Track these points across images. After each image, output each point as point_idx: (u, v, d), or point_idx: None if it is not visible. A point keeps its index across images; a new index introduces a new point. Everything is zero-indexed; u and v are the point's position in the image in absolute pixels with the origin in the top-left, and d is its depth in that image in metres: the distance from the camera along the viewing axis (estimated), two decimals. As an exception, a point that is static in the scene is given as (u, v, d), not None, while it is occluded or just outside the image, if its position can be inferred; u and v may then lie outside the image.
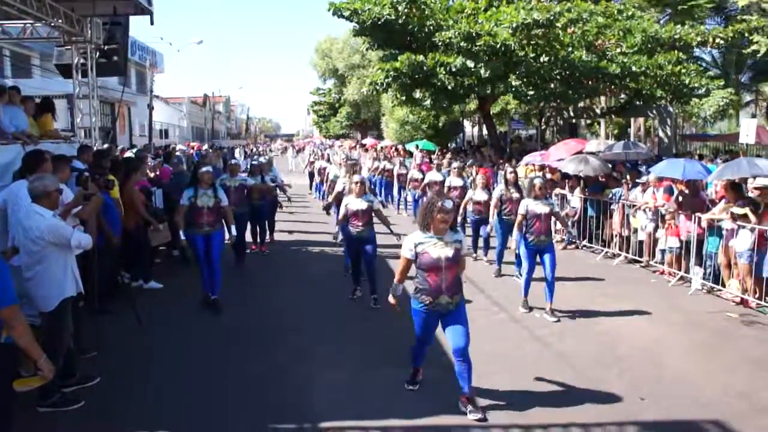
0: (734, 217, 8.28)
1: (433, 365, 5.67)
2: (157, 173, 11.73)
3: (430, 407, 5.10)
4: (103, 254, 6.88)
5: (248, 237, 10.86)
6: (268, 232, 12.04)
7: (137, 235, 8.65)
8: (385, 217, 8.23)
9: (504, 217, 9.52)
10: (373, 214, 8.04)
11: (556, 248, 8.13)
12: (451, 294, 4.88)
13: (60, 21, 10.37)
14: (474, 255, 10.73)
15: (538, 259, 7.81)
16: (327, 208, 9.84)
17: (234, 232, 8.52)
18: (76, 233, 5.08)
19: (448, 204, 4.80)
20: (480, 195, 10.35)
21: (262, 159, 14.96)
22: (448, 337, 5.02)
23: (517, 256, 8.98)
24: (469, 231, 10.78)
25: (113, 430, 4.83)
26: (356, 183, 7.97)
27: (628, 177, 11.65)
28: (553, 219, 7.93)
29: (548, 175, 13.63)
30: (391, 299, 5.16)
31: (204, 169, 8.08)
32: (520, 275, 9.29)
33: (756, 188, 8.74)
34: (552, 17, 15.77)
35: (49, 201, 5.01)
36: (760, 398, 5.40)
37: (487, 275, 9.73)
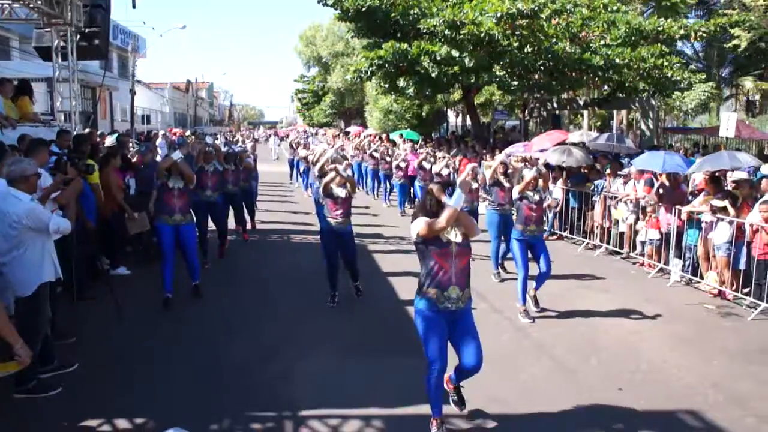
0: (713, 210, 8.38)
1: (414, 354, 5.67)
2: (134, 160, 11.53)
3: (410, 396, 5.09)
4: (81, 240, 6.81)
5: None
6: (248, 220, 12.00)
7: (114, 221, 8.55)
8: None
9: (496, 209, 8.97)
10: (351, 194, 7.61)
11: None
12: (461, 287, 4.46)
13: (39, 2, 10.20)
14: None
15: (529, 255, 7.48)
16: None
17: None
18: (54, 218, 5.02)
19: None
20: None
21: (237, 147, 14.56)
22: (459, 350, 4.59)
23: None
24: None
25: (91, 416, 4.77)
26: (339, 177, 7.51)
27: (608, 169, 11.67)
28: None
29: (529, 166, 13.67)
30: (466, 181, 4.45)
31: (175, 155, 7.54)
32: (500, 275, 9.20)
33: (733, 181, 8.84)
34: (536, 8, 15.77)
35: (27, 185, 4.94)
36: (734, 389, 5.47)
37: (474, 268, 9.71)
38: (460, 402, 4.94)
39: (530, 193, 7.39)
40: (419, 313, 4.52)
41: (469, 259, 4.57)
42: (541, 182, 7.50)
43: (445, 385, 4.73)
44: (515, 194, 7.51)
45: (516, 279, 7.57)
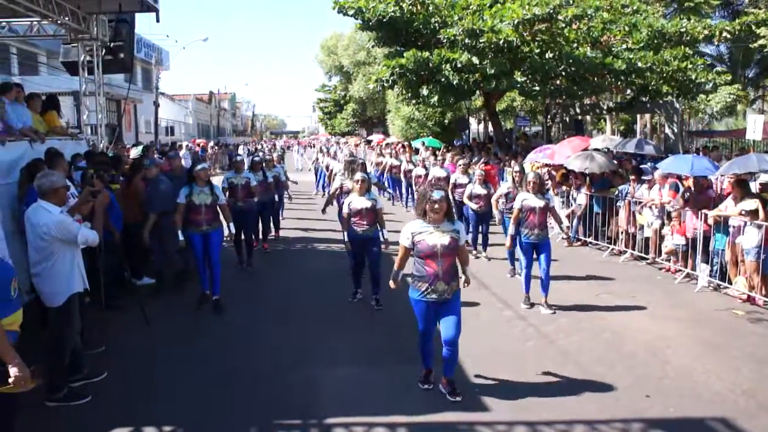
0: (743, 213, 8.24)
1: (439, 362, 5.67)
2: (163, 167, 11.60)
3: (435, 404, 5.11)
4: (107, 250, 6.90)
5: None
6: (273, 229, 12.06)
7: (135, 231, 8.55)
8: (383, 220, 7.95)
9: (510, 215, 9.18)
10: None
11: (558, 245, 8.11)
12: (447, 281, 5.05)
13: (66, 18, 10.40)
14: (474, 252, 10.65)
15: (534, 255, 7.84)
16: (324, 209, 9.42)
17: (233, 229, 8.35)
18: (82, 230, 5.11)
19: (436, 194, 4.99)
20: (479, 189, 10.35)
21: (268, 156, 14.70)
22: (441, 328, 5.19)
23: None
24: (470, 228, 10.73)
25: (120, 424, 4.84)
26: (358, 181, 7.71)
27: (631, 177, 11.49)
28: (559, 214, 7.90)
29: (553, 173, 13.66)
30: (391, 284, 5.48)
31: (200, 166, 8.02)
32: (515, 271, 9.33)
33: (761, 184, 8.69)
34: (552, 11, 15.70)
35: (56, 197, 5.04)
36: (766, 396, 5.38)
37: (492, 272, 9.72)
38: (459, 395, 5.24)
39: (532, 201, 7.69)
40: (413, 301, 5.22)
41: (454, 258, 5.13)
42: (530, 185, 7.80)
43: (440, 387, 5.34)
44: (517, 204, 7.86)
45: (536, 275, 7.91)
